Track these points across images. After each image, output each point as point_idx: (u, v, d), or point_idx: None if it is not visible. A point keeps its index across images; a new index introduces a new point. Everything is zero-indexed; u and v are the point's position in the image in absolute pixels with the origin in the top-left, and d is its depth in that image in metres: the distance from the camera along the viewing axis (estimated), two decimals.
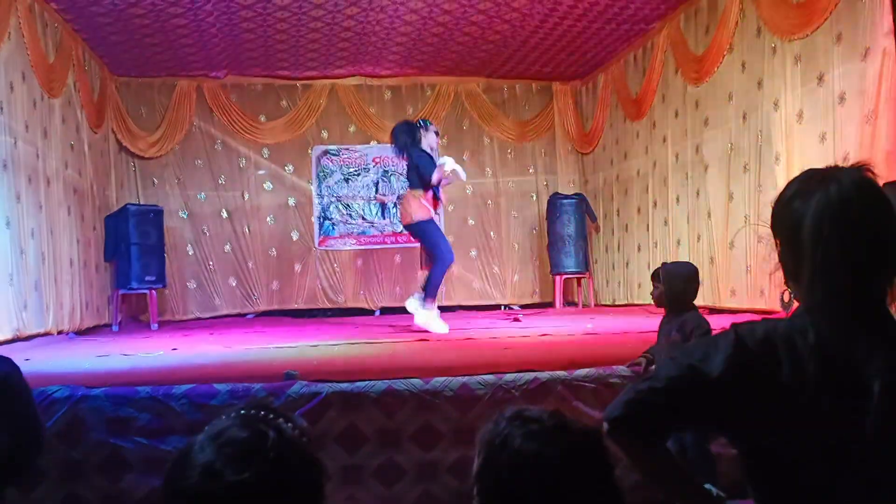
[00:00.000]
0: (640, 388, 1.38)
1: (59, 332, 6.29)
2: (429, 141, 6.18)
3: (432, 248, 6.07)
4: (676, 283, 3.38)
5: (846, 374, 1.25)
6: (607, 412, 1.39)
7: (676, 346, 3.14)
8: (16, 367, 2.35)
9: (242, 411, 1.13)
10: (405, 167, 6.31)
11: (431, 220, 6.07)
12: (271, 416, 1.12)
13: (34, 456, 2.39)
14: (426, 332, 5.75)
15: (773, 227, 1.41)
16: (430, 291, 5.87)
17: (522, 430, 1.18)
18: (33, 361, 4.26)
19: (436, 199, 6.14)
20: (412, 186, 6.12)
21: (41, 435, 2.43)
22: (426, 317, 5.85)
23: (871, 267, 1.28)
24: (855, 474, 1.24)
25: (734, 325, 1.38)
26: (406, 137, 6.14)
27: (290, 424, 1.12)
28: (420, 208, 6.00)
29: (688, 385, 1.33)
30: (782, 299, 1.40)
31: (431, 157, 6.15)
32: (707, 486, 1.51)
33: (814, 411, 1.25)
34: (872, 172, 1.33)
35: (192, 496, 1.03)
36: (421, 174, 6.01)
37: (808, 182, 1.35)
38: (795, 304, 1.37)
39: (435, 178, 5.96)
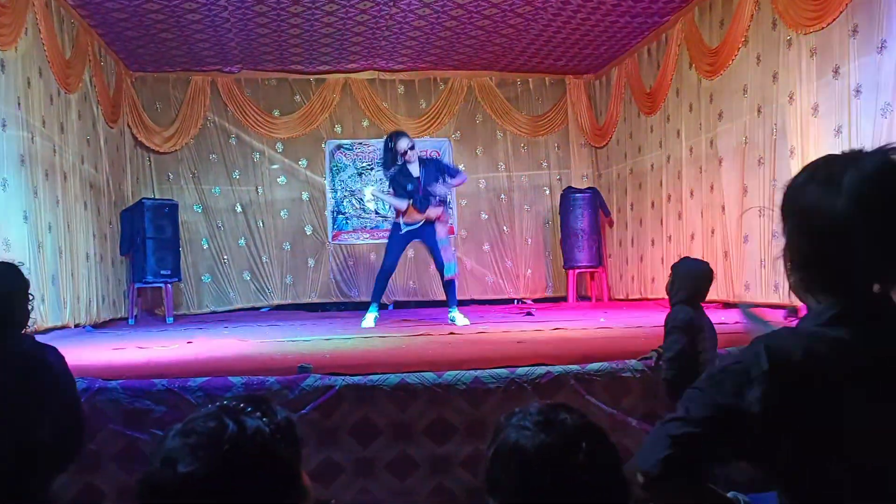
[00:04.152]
0: (675, 434, 1.23)
1: (76, 326, 6.36)
2: (404, 158, 6.20)
3: None
4: (678, 278, 3.40)
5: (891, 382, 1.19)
6: (642, 465, 1.26)
7: (674, 344, 3.16)
8: (60, 356, 2.41)
9: (225, 402, 1.10)
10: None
11: (392, 223, 6.41)
12: (249, 408, 1.08)
13: (78, 442, 2.44)
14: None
15: (784, 211, 1.31)
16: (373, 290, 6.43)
17: (519, 425, 1.19)
18: None
19: (416, 209, 6.16)
20: None
21: (83, 422, 2.48)
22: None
23: None
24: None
25: (765, 348, 1.23)
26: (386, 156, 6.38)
27: (264, 420, 1.07)
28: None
29: (727, 426, 1.22)
30: (788, 315, 1.35)
31: (392, 182, 6.31)
32: (731, 494, 1.46)
33: (870, 422, 1.18)
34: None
35: (150, 483, 1.02)
36: None
37: (829, 165, 1.27)
38: (801, 307, 1.32)
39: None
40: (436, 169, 6.28)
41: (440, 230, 6.21)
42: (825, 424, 1.18)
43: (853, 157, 1.24)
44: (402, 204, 6.17)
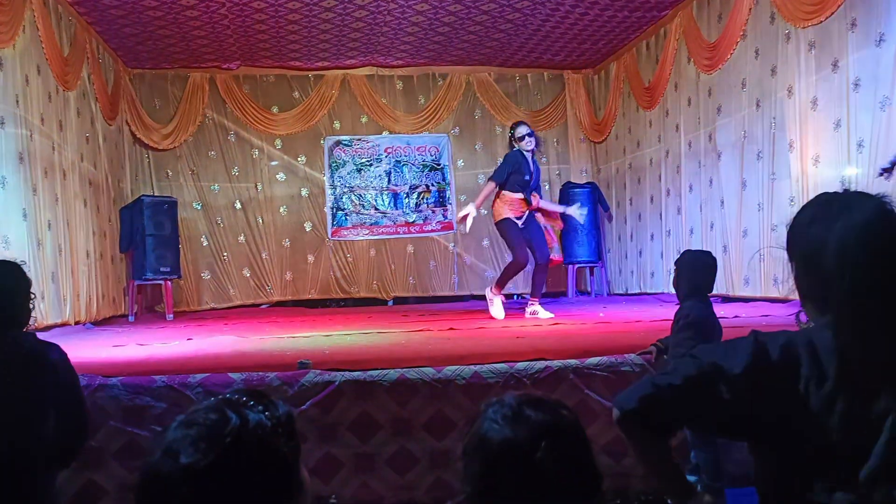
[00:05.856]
0: (658, 382, 1.38)
1: (77, 323, 6.36)
2: (519, 144, 6.32)
3: (508, 247, 6.48)
4: (679, 270, 3.39)
5: (863, 384, 1.25)
6: (620, 401, 1.39)
7: (688, 341, 3.13)
8: (63, 354, 2.42)
9: (228, 395, 1.10)
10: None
11: (506, 220, 6.26)
12: (251, 402, 1.08)
13: (82, 438, 2.46)
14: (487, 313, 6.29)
15: (790, 250, 1.40)
16: (497, 280, 6.38)
17: (492, 417, 1.22)
18: None
19: (526, 202, 6.25)
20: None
21: (87, 419, 2.49)
22: (489, 298, 6.34)
23: None
24: (855, 487, 1.24)
25: (754, 332, 1.38)
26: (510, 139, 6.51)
27: (266, 413, 1.08)
28: (498, 208, 6.29)
29: (707, 382, 1.33)
30: (798, 319, 1.40)
31: (508, 163, 6.30)
32: (690, 477, 1.54)
33: (827, 417, 1.25)
34: (888, 200, 1.33)
35: (151, 474, 1.02)
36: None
37: (828, 208, 1.35)
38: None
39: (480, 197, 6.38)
40: (539, 176, 6.46)
41: (540, 218, 6.36)
42: (785, 398, 1.29)
43: (848, 204, 1.33)
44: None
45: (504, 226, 6.26)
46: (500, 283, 6.30)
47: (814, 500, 1.27)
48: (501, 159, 6.66)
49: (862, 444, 1.24)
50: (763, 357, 1.31)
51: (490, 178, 6.39)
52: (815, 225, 1.34)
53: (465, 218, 6.24)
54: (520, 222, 6.22)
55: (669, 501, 1.51)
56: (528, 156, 6.29)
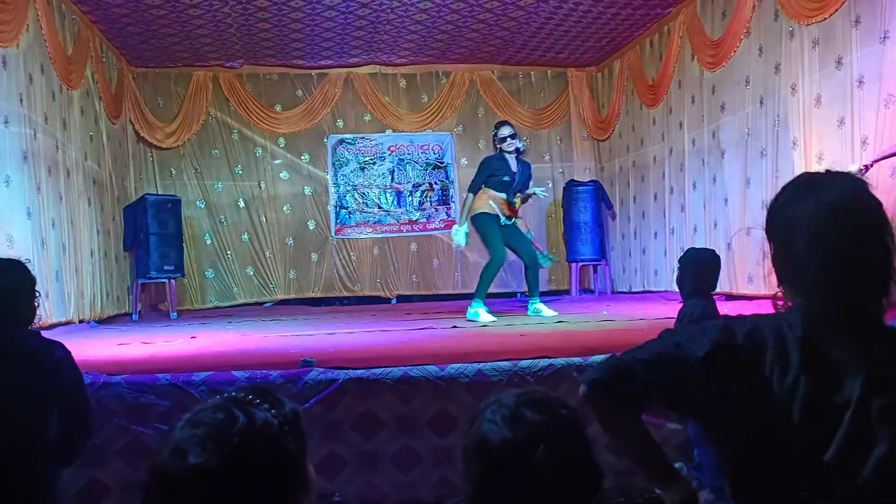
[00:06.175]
0: (625, 357, 1.39)
1: (81, 321, 6.37)
2: (500, 146, 6.24)
3: (484, 243, 6.24)
4: (683, 269, 3.39)
5: (827, 372, 1.25)
6: (588, 374, 1.41)
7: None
8: (67, 352, 2.42)
9: (234, 393, 1.10)
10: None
11: (484, 214, 6.08)
12: (257, 400, 1.08)
13: (85, 437, 2.46)
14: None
15: (767, 231, 1.40)
16: (477, 288, 6.10)
17: (490, 417, 1.21)
18: None
19: (509, 204, 6.17)
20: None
21: (91, 417, 2.49)
22: (473, 310, 5.95)
23: (864, 275, 1.27)
24: (817, 472, 1.24)
25: (724, 317, 1.41)
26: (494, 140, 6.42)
27: (273, 411, 1.08)
28: (478, 203, 6.12)
29: (672, 360, 1.34)
30: (775, 303, 1.39)
31: (483, 169, 6.19)
32: (678, 464, 1.51)
33: (790, 404, 1.25)
34: (864, 181, 1.32)
35: (158, 473, 1.02)
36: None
37: (802, 188, 1.35)
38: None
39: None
40: (528, 175, 6.35)
41: (520, 225, 6.32)
42: (747, 381, 1.28)
43: (821, 185, 1.32)
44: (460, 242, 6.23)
45: (480, 219, 6.09)
46: (481, 291, 6.00)
47: (777, 490, 1.27)
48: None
49: (823, 433, 1.23)
50: (728, 341, 1.31)
51: (468, 190, 6.27)
52: (789, 205, 1.34)
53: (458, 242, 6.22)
54: (505, 222, 6.10)
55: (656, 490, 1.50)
56: (511, 157, 6.20)
